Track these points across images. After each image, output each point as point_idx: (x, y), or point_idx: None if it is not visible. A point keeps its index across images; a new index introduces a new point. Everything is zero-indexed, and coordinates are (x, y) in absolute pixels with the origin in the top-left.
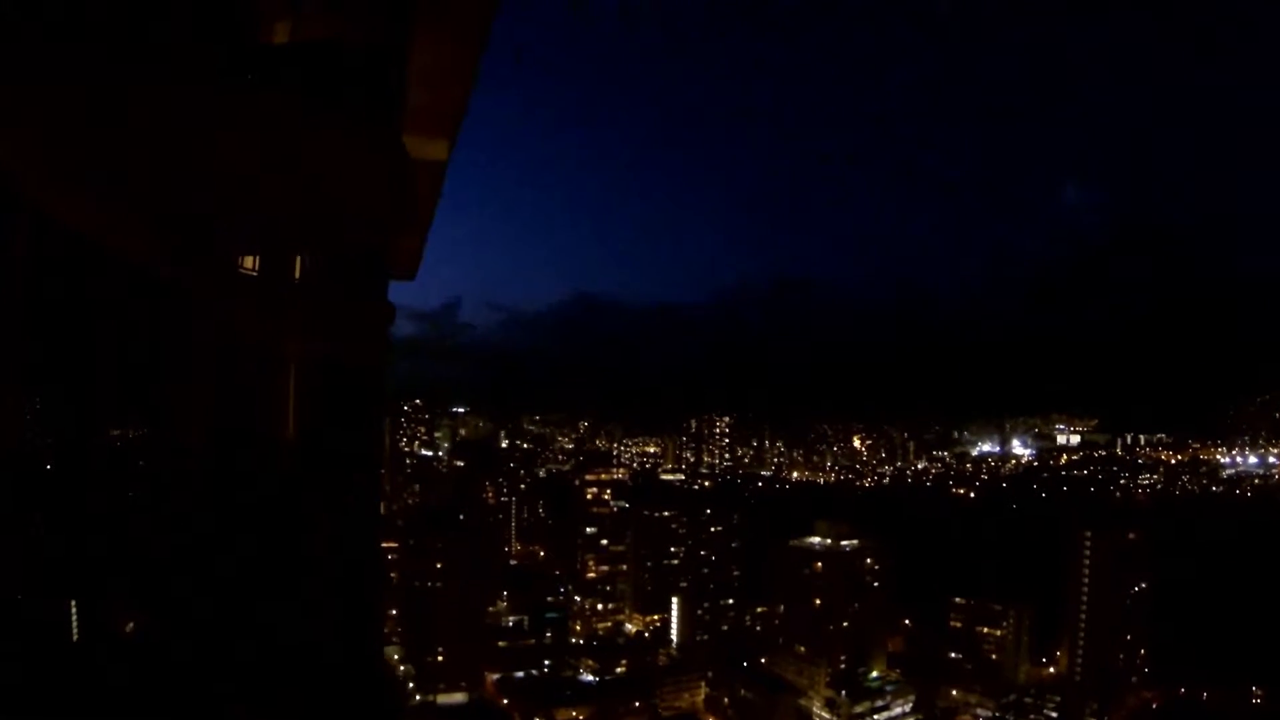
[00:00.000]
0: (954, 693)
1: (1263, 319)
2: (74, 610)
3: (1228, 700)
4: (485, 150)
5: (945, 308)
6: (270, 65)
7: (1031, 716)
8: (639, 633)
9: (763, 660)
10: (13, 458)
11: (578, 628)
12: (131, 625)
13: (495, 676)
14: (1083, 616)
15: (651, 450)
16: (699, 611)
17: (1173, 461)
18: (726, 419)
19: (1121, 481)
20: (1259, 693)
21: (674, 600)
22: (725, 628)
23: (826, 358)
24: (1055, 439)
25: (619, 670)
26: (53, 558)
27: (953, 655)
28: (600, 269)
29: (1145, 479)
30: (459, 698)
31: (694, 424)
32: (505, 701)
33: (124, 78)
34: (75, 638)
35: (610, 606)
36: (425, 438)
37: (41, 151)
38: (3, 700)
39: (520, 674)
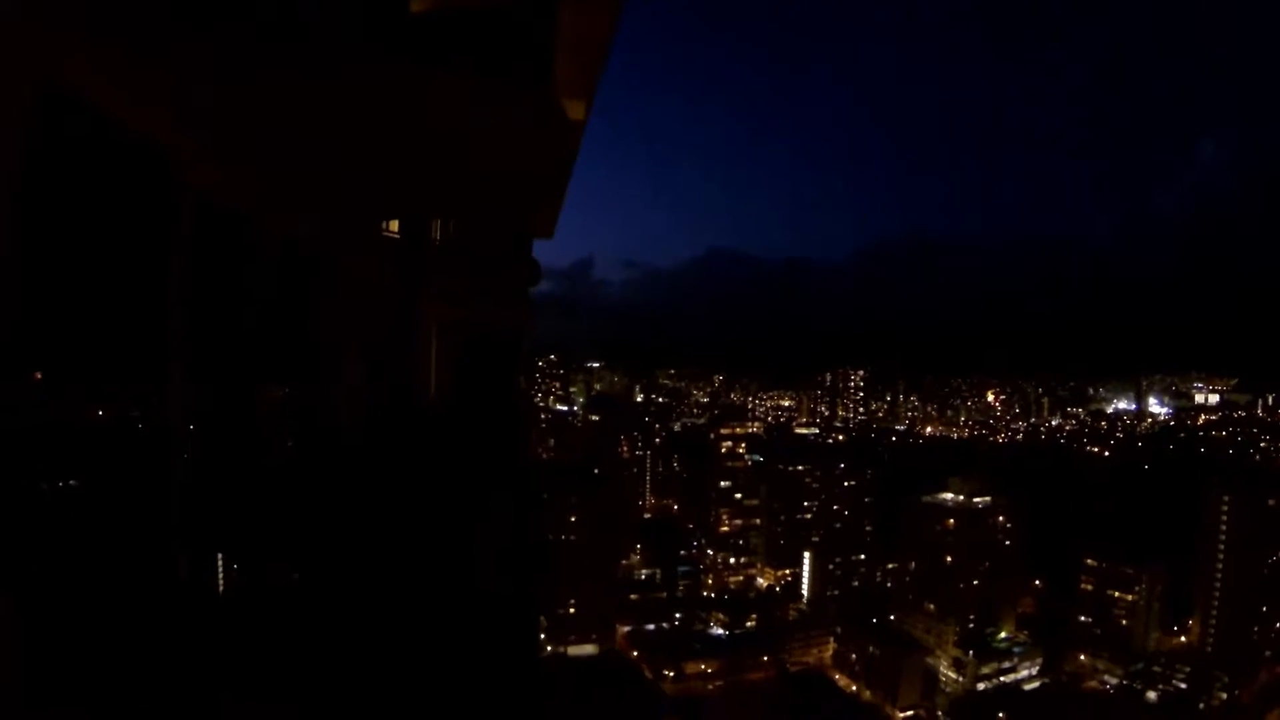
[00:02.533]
0: (1081, 657)
1: None
2: (223, 565)
3: None
4: (619, 106)
5: (1082, 264)
6: (434, 37)
7: (1160, 686)
8: (770, 587)
9: (891, 617)
10: (183, 424)
11: (709, 581)
12: (284, 581)
13: (626, 629)
14: (1218, 584)
15: (785, 404)
16: (830, 567)
17: None
18: (861, 373)
19: (1262, 444)
20: None
21: (805, 555)
22: (855, 584)
23: (961, 314)
24: (1193, 398)
25: (749, 624)
26: (215, 514)
27: (1082, 619)
28: (735, 226)
29: None
30: (589, 649)
31: (828, 378)
32: (635, 654)
33: (284, 58)
34: (222, 591)
35: (742, 560)
36: (560, 393)
37: (207, 135)
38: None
39: (651, 627)
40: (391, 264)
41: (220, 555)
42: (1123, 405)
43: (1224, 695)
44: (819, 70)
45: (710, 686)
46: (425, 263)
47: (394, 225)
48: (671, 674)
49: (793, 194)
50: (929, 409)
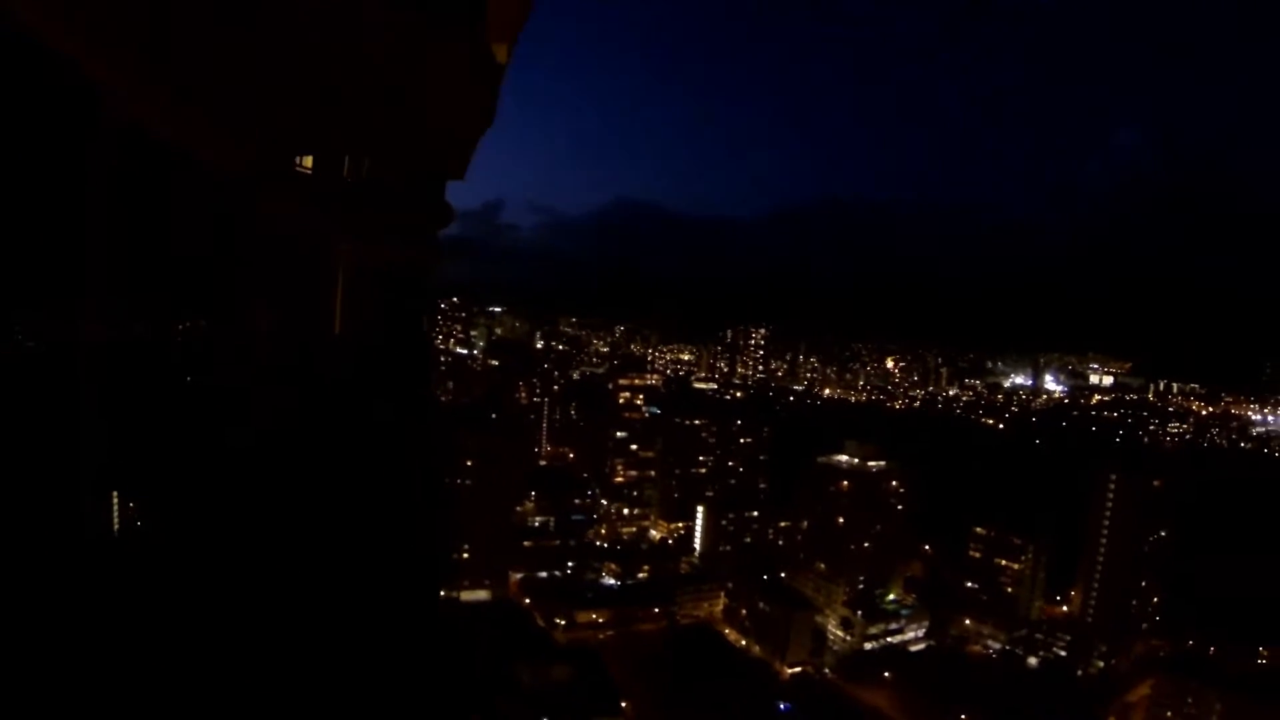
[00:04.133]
0: (967, 621)
1: None
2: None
3: (1235, 657)
4: (532, 51)
5: (991, 239)
6: None
7: (1040, 653)
8: (663, 540)
9: (782, 575)
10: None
11: (603, 531)
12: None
13: (519, 576)
14: (1100, 559)
15: (685, 358)
16: (723, 522)
17: (1204, 413)
18: (762, 331)
19: (1151, 427)
20: (1266, 652)
21: (699, 510)
22: (748, 540)
23: (866, 279)
24: (1088, 378)
25: (641, 576)
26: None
27: (969, 585)
28: (646, 177)
29: (1175, 427)
30: (482, 595)
31: (729, 334)
32: (527, 601)
33: None
34: (116, 532)
35: (636, 512)
36: (461, 336)
37: (122, 55)
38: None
39: (543, 574)
40: (304, 199)
41: (120, 494)
42: (1020, 380)
43: (1101, 664)
44: (737, 30)
45: (601, 636)
46: (337, 198)
47: (307, 161)
48: (563, 622)
49: (707, 149)
50: (829, 371)
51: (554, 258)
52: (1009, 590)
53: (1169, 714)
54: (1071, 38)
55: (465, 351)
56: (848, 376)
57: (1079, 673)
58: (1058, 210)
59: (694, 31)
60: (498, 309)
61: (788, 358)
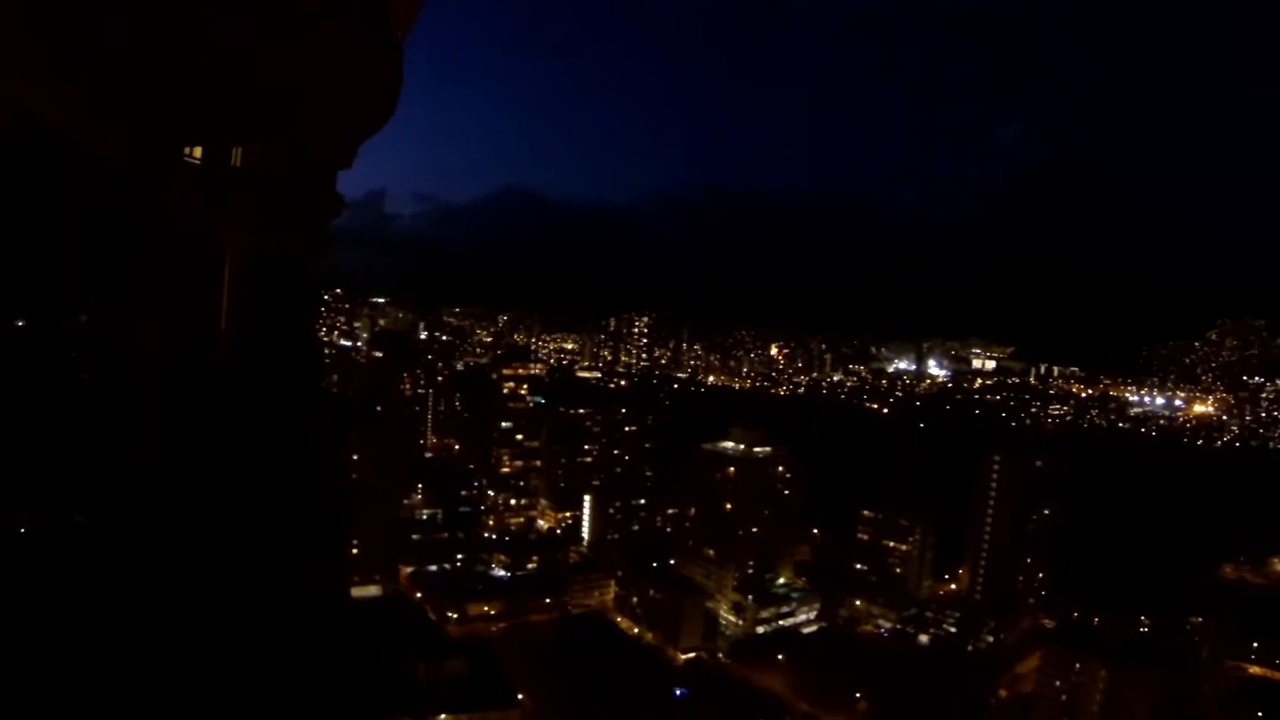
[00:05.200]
0: (857, 603)
1: (1183, 267)
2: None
3: (1118, 627)
4: (416, 39)
5: (875, 227)
6: None
7: (931, 630)
8: (551, 529)
9: (672, 562)
10: None
11: (491, 523)
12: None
13: (409, 570)
14: (986, 537)
15: (569, 347)
16: (610, 511)
17: (1084, 395)
18: (645, 319)
19: (1033, 409)
20: (1147, 622)
21: (586, 498)
22: (636, 528)
23: (751, 266)
24: (971, 362)
25: (530, 566)
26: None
27: (858, 566)
28: (532, 166)
29: (1056, 409)
30: (373, 590)
31: (613, 323)
32: (419, 595)
33: None
34: None
35: (523, 502)
36: (344, 328)
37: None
38: None
39: (434, 568)
40: (193, 188)
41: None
42: (904, 366)
43: (990, 638)
44: (624, 20)
45: (494, 628)
46: (226, 187)
47: (197, 151)
48: (455, 616)
49: (592, 138)
50: (713, 358)
51: (438, 247)
52: (898, 571)
53: (1057, 683)
54: (956, 36)
55: (349, 344)
56: (732, 364)
57: (969, 648)
58: (941, 200)
59: (582, 20)
60: (381, 300)
61: (671, 345)
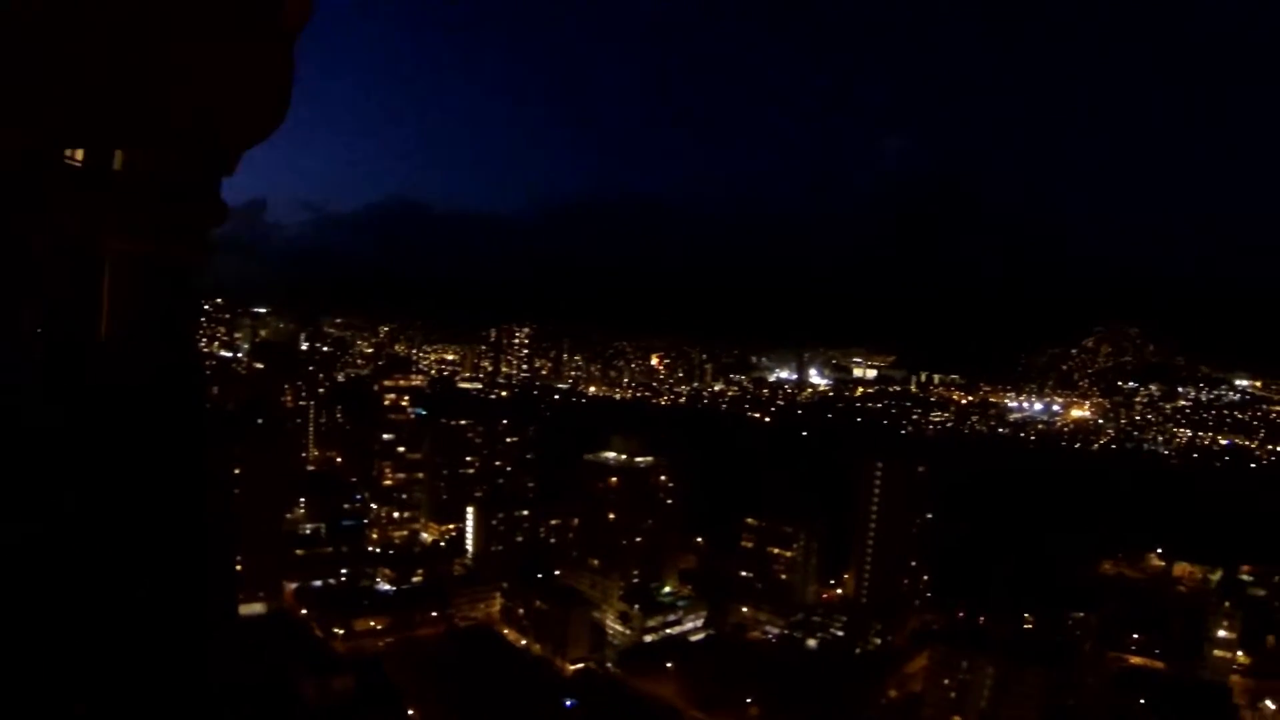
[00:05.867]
0: (744, 610)
1: (1060, 277)
2: None
3: (1002, 625)
4: (302, 40)
5: (757, 238)
6: None
7: (819, 634)
8: (435, 542)
9: (557, 572)
10: None
11: (375, 536)
12: None
13: (294, 586)
14: (870, 542)
15: (451, 358)
16: (494, 522)
17: (964, 402)
18: (526, 330)
19: (914, 417)
20: (1030, 619)
21: (469, 510)
22: (520, 539)
23: (632, 276)
24: (852, 371)
25: (415, 580)
26: None
27: (743, 574)
28: (420, 174)
29: (937, 416)
30: (258, 608)
31: (494, 333)
32: (304, 611)
33: None
34: None
35: (407, 515)
36: (225, 338)
37: None
38: None
39: (318, 583)
40: (72, 192)
41: None
42: (785, 375)
43: (878, 640)
44: (517, 28)
45: (381, 644)
46: (108, 192)
47: (78, 153)
48: (341, 632)
49: (480, 148)
50: (593, 369)
51: (321, 257)
52: (783, 577)
53: (945, 681)
54: (840, 50)
55: (229, 355)
56: (612, 374)
57: (858, 650)
58: (824, 211)
59: (474, 27)
60: (262, 310)
61: (552, 356)
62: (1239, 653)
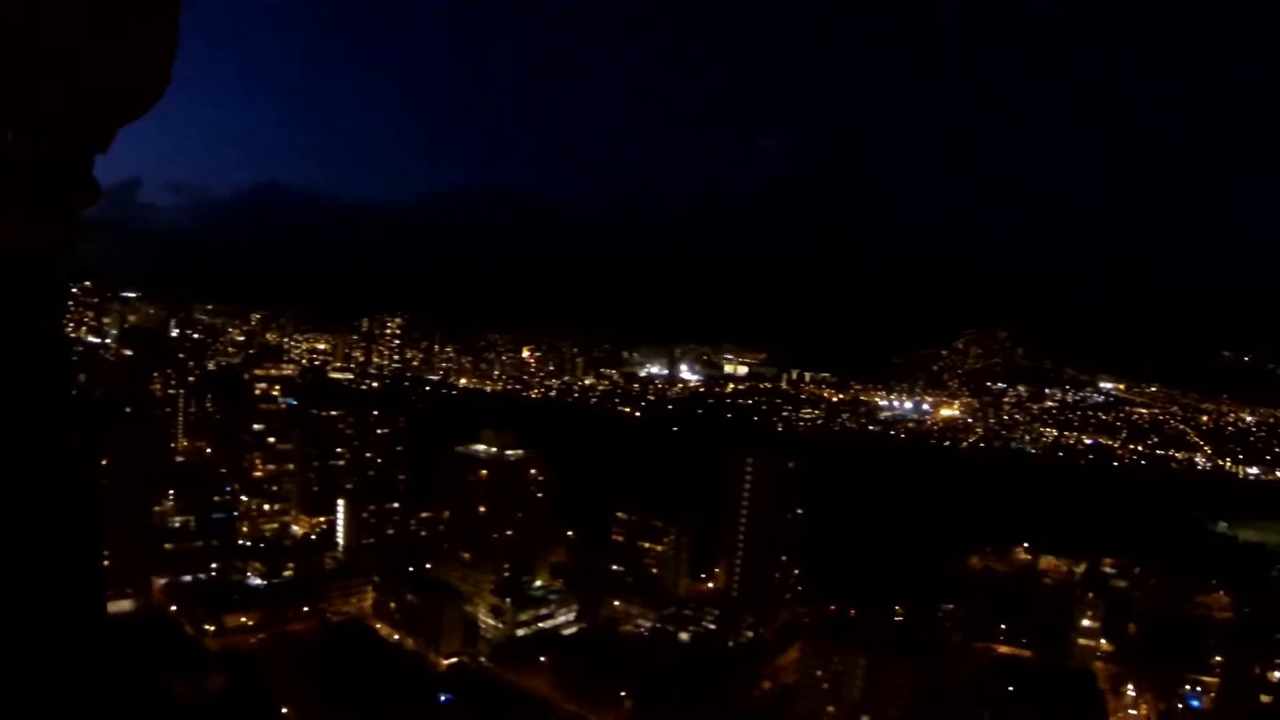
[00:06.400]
0: (616, 603)
1: (931, 275)
2: None
3: (873, 617)
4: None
5: (632, 233)
6: None
7: (691, 628)
8: (306, 535)
9: (429, 566)
10: None
11: (245, 529)
12: None
13: (163, 582)
14: (741, 536)
15: (322, 347)
16: (365, 515)
17: (835, 400)
18: (398, 320)
19: (785, 413)
20: (900, 611)
21: (340, 502)
22: (391, 532)
23: (506, 269)
24: (724, 368)
25: (287, 574)
26: None
27: (615, 568)
28: (299, 160)
29: (808, 413)
30: (126, 605)
31: (365, 323)
32: (174, 607)
33: None
34: None
35: (277, 507)
36: (93, 323)
37: None
38: None
39: (188, 578)
40: None
41: None
42: (656, 370)
43: (750, 633)
44: (403, 14)
45: (253, 640)
46: None
47: None
48: (213, 628)
49: (357, 135)
50: (464, 361)
51: (194, 241)
52: (654, 571)
53: (818, 673)
54: (723, 48)
55: (97, 341)
56: (483, 366)
57: (730, 643)
58: (698, 210)
59: (359, 11)
60: (132, 295)
61: (424, 347)
62: (1102, 640)
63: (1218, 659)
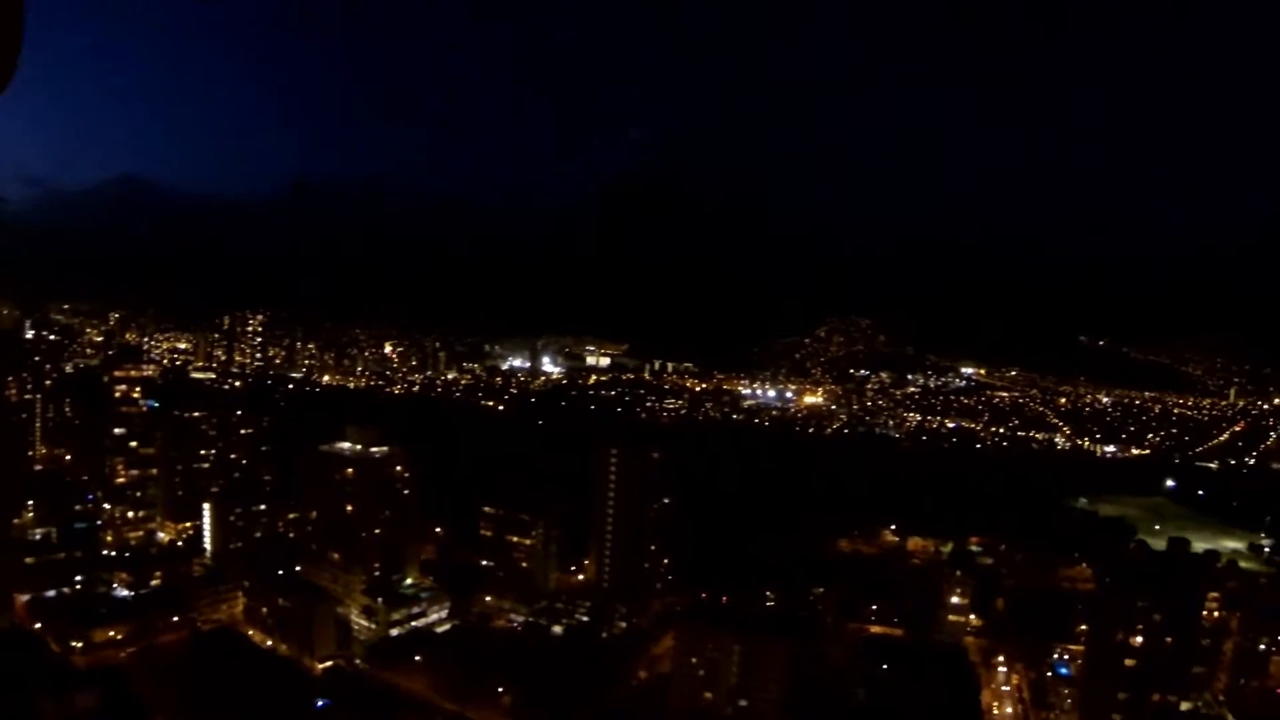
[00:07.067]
0: (488, 599)
1: (789, 270)
2: None
3: (745, 603)
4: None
5: (491, 227)
6: None
7: (564, 621)
8: (172, 541)
9: (298, 568)
10: None
11: (109, 538)
12: None
13: (25, 598)
14: (609, 528)
15: (183, 346)
16: (232, 518)
17: (698, 389)
18: (259, 317)
19: (649, 404)
20: (771, 595)
21: (206, 506)
22: (259, 535)
23: (369, 264)
24: (586, 359)
25: (154, 583)
26: None
27: (485, 563)
28: (158, 151)
29: (671, 403)
30: None
31: (227, 320)
32: (38, 624)
33: None
34: None
35: (142, 514)
36: None
37: None
38: None
39: (52, 592)
40: None
41: None
42: (519, 363)
43: (623, 624)
44: (252, 11)
45: (122, 653)
46: None
47: None
48: (80, 644)
49: (218, 127)
50: (327, 357)
51: (49, 236)
52: (524, 565)
53: (694, 660)
54: (570, 39)
55: None
56: (346, 363)
57: (604, 635)
58: (557, 200)
59: (211, 3)
60: None
61: (286, 344)
62: (971, 616)
63: (1083, 628)
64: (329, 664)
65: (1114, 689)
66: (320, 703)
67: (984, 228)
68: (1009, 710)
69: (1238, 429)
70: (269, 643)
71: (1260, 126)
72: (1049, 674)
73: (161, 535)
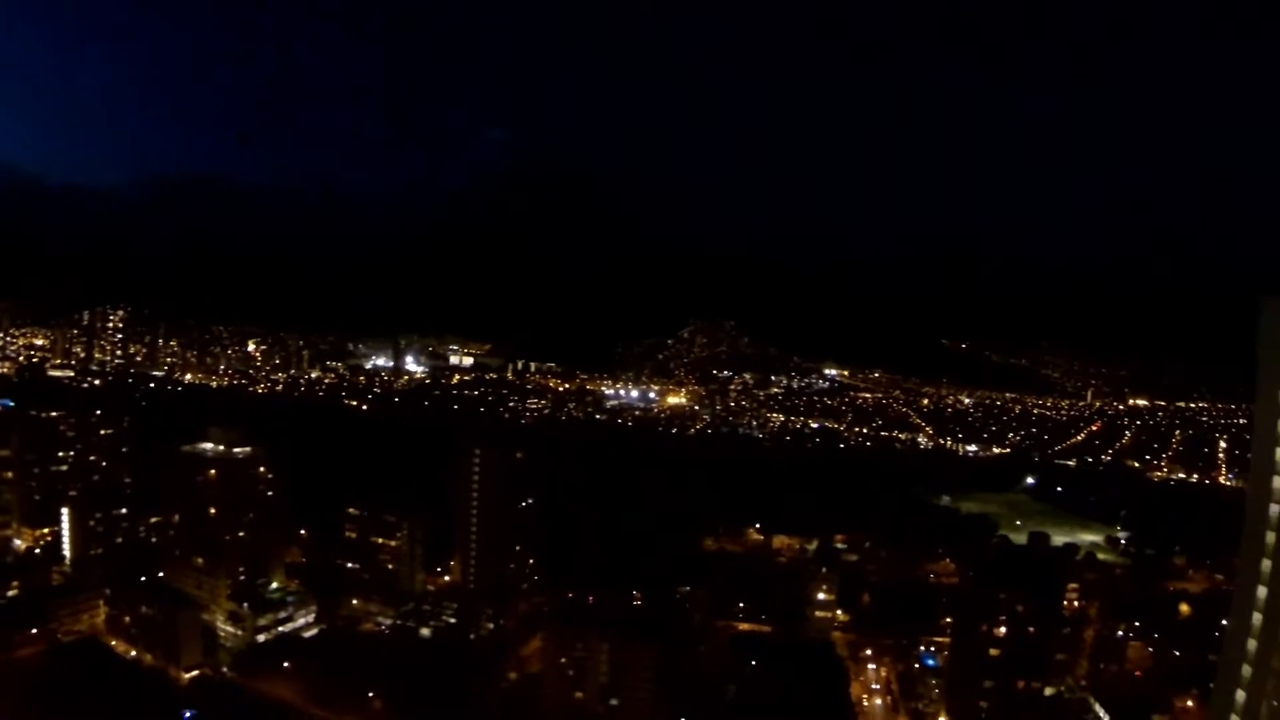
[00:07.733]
0: (354, 602)
1: (661, 269)
2: None
3: (612, 603)
4: None
5: (353, 225)
6: None
7: (432, 623)
8: (29, 549)
9: (162, 575)
10: None
11: None
12: None
13: None
14: (474, 529)
15: (40, 343)
16: (92, 523)
17: (561, 389)
18: (120, 313)
19: (512, 403)
20: (638, 595)
21: (65, 511)
22: (120, 541)
23: (229, 260)
24: (449, 359)
25: (10, 594)
26: None
27: (350, 565)
28: (13, 137)
29: (534, 403)
30: None
31: (86, 316)
32: None
33: None
34: None
35: None
36: None
37: None
38: None
39: None
40: None
41: None
42: (382, 362)
43: (491, 625)
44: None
45: None
46: None
47: None
48: None
49: (77, 111)
50: (189, 355)
51: None
52: (390, 567)
53: (562, 660)
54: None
55: None
56: (209, 361)
57: (472, 636)
58: (418, 200)
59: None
60: None
61: (147, 341)
62: (838, 612)
63: (948, 620)
64: (195, 673)
65: (980, 678)
66: (188, 714)
67: (848, 233)
68: (878, 703)
69: (1094, 429)
70: (133, 653)
71: (1116, 142)
72: (916, 666)
73: (18, 542)
